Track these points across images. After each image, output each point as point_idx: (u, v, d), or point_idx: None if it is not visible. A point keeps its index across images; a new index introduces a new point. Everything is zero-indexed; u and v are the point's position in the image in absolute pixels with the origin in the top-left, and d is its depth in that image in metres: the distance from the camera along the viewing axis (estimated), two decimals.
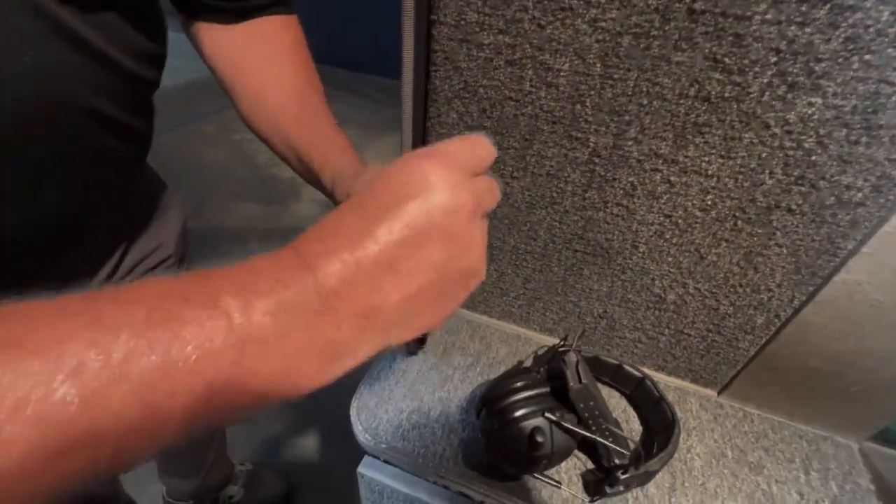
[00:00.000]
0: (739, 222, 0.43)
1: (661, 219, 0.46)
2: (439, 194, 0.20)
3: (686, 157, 0.42)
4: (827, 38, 0.33)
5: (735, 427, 0.54)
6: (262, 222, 1.89)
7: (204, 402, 0.15)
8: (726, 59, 0.36)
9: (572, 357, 0.43)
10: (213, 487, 0.96)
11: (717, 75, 0.37)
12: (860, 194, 0.38)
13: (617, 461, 0.44)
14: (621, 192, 0.46)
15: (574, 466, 0.48)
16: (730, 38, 0.35)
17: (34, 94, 0.29)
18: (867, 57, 0.33)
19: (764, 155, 0.39)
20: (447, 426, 0.50)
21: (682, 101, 0.39)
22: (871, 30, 0.32)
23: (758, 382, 0.54)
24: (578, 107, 0.42)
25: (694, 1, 0.34)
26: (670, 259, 0.48)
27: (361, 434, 0.49)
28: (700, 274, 0.48)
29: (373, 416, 0.51)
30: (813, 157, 0.38)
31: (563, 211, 0.50)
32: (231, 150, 2.29)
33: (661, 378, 0.58)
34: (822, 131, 0.36)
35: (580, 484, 0.46)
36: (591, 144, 0.44)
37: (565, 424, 0.40)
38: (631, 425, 0.52)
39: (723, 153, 0.40)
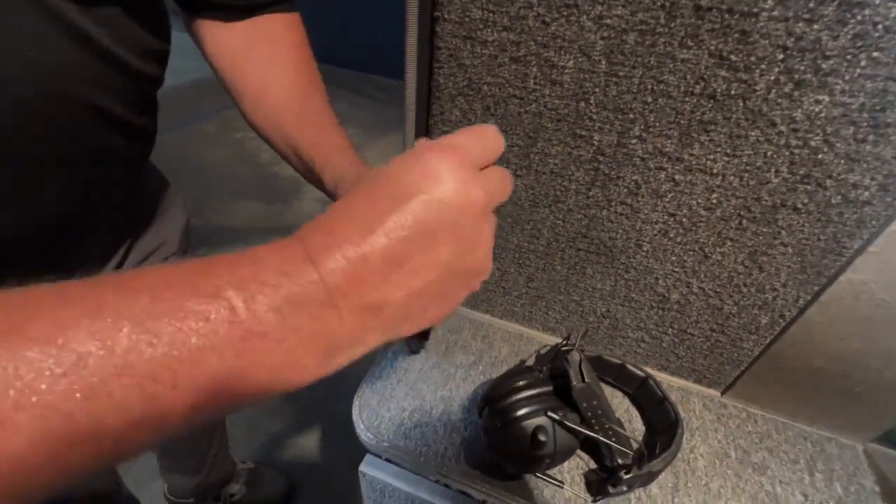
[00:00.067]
0: (744, 221, 0.43)
1: (666, 217, 0.46)
2: (450, 191, 0.19)
3: (691, 155, 0.41)
4: (835, 35, 0.32)
5: (739, 427, 0.53)
6: (263, 221, 1.89)
7: (205, 395, 0.15)
8: (732, 57, 0.36)
9: (575, 356, 0.43)
10: (215, 485, 0.96)
11: (723, 73, 0.36)
12: (867, 193, 0.38)
13: (620, 461, 0.43)
14: (625, 190, 0.46)
15: (577, 466, 0.47)
16: (736, 35, 0.35)
17: (37, 92, 0.29)
18: (875, 54, 0.32)
19: (770, 153, 0.39)
20: (449, 425, 0.50)
21: (687, 99, 0.39)
22: (880, 27, 0.31)
23: (762, 383, 0.53)
24: (583, 104, 0.42)
25: None
26: (674, 258, 0.48)
27: (363, 433, 0.49)
28: (704, 273, 0.48)
29: (374, 414, 0.51)
30: (819, 156, 0.37)
31: (566, 209, 0.49)
32: (233, 148, 2.30)
33: (664, 378, 0.58)
34: (828, 129, 0.36)
35: (583, 484, 0.46)
36: (596, 142, 0.44)
37: (568, 424, 0.40)
38: (634, 425, 0.52)
39: (728, 151, 0.40)
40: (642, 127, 0.41)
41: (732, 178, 0.41)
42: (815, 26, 0.33)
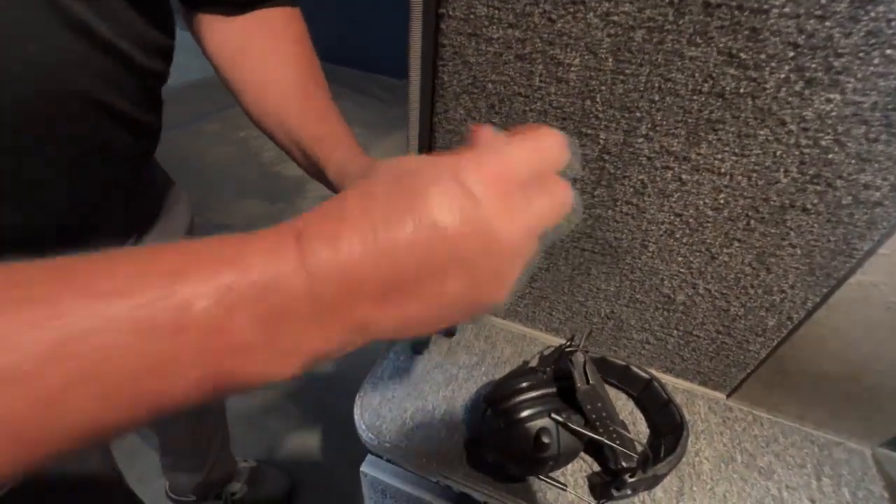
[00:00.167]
0: (752, 222, 0.42)
1: (672, 217, 0.45)
2: (478, 228, 0.17)
3: (698, 154, 0.41)
4: (847, 33, 0.32)
5: (744, 431, 0.53)
6: (266, 220, 1.89)
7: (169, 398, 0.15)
8: (742, 54, 0.35)
9: (580, 357, 0.42)
10: (216, 484, 0.96)
11: (732, 70, 0.36)
12: (878, 194, 0.37)
13: (624, 464, 0.43)
14: (631, 189, 0.45)
15: (580, 469, 0.47)
16: (746, 33, 0.34)
17: (40, 86, 0.29)
18: (889, 52, 0.32)
19: (779, 153, 0.38)
20: (451, 426, 0.49)
21: (695, 97, 0.38)
22: (894, 23, 0.31)
23: (768, 386, 0.53)
24: (589, 103, 0.42)
25: None
26: (680, 259, 0.47)
27: (364, 433, 0.49)
28: (711, 274, 0.47)
29: (376, 414, 0.50)
30: (830, 156, 0.37)
31: None
32: (236, 147, 2.30)
33: (668, 380, 0.57)
34: (840, 128, 0.35)
35: (586, 486, 0.45)
36: (602, 141, 0.43)
37: (572, 426, 0.39)
38: (638, 427, 0.51)
39: (736, 151, 0.39)
40: (649, 126, 0.41)
41: (740, 177, 0.40)
42: (827, 23, 0.32)
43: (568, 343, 0.49)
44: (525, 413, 0.40)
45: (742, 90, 0.36)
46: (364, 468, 0.50)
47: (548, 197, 0.19)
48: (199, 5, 0.40)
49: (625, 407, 0.53)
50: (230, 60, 0.41)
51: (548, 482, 0.44)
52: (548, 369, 0.45)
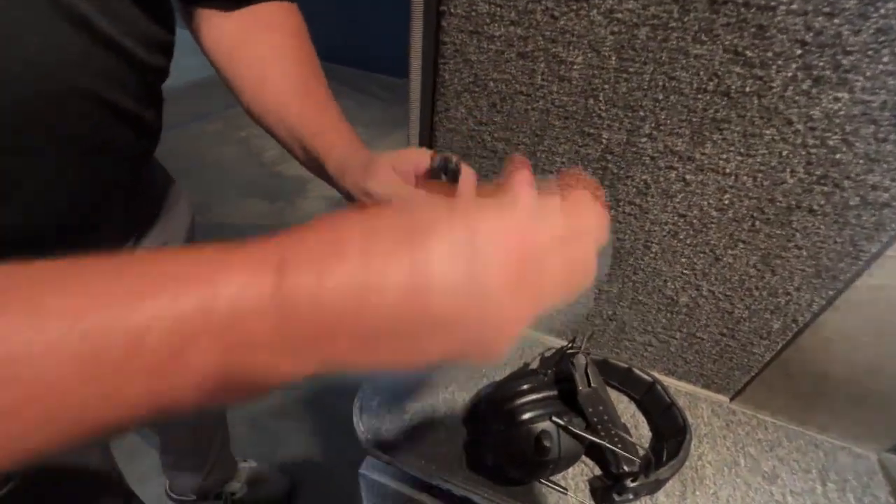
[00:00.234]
0: (757, 223, 0.42)
1: (676, 218, 0.44)
2: (481, 290, 0.15)
3: (703, 154, 0.40)
4: (856, 30, 0.31)
5: (748, 434, 0.52)
6: (268, 219, 1.89)
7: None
8: (748, 52, 0.34)
9: (581, 360, 0.42)
10: (216, 484, 0.96)
11: (737, 69, 0.35)
12: (887, 195, 0.37)
13: (626, 468, 0.42)
14: (634, 190, 0.44)
15: (581, 472, 0.46)
16: (752, 30, 0.33)
17: (41, 82, 0.29)
18: None
19: (785, 153, 0.37)
20: (451, 428, 0.49)
21: (700, 96, 0.37)
22: None
23: (773, 389, 0.52)
24: (591, 101, 0.41)
25: None
26: (684, 260, 0.47)
27: (363, 434, 0.48)
28: (715, 276, 0.46)
29: (375, 416, 0.50)
30: (837, 156, 0.36)
31: None
32: (238, 146, 2.30)
33: (671, 382, 0.57)
34: (848, 128, 0.35)
35: (587, 490, 0.45)
36: (604, 140, 0.43)
37: (573, 429, 0.39)
38: (640, 431, 0.51)
39: (742, 150, 0.39)
40: (653, 125, 0.40)
41: (746, 178, 0.40)
42: (836, 20, 0.31)
43: (569, 345, 0.48)
44: (526, 416, 0.39)
45: (748, 89, 0.36)
46: (363, 470, 0.50)
47: (565, 273, 0.17)
48: (196, 1, 0.40)
49: (627, 410, 0.53)
50: (228, 56, 0.41)
51: (548, 486, 0.44)
52: (549, 371, 0.45)
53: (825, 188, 0.38)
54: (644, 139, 0.41)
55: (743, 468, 0.48)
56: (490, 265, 0.15)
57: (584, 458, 0.47)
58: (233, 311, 0.15)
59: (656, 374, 0.52)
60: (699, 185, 0.42)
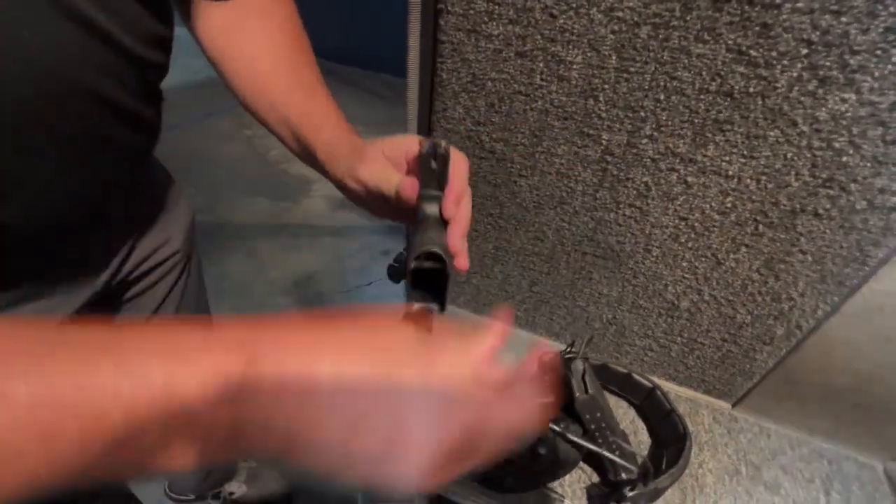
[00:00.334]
0: (761, 226, 0.41)
1: (677, 221, 0.44)
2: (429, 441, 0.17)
3: (705, 156, 0.39)
4: (864, 29, 0.30)
5: (750, 442, 0.51)
6: (271, 218, 1.89)
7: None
8: (752, 52, 0.33)
9: (579, 365, 0.41)
10: (215, 483, 0.96)
11: (741, 69, 0.34)
12: (894, 199, 0.35)
13: (624, 476, 0.41)
14: (635, 192, 0.44)
15: (579, 479, 0.45)
16: (756, 29, 0.33)
17: (39, 78, 0.28)
18: None
19: (790, 155, 0.36)
20: None
21: (702, 97, 0.36)
22: None
23: (776, 396, 0.51)
24: (591, 102, 0.40)
25: None
26: (685, 264, 0.46)
27: None
28: (716, 280, 0.46)
29: None
30: (844, 158, 0.35)
31: (572, 211, 0.47)
32: (243, 145, 2.31)
33: (672, 388, 0.56)
34: (855, 130, 0.34)
35: (585, 498, 0.44)
36: (604, 142, 0.42)
37: (570, 436, 0.38)
38: (639, 437, 0.50)
39: (745, 153, 0.38)
40: (654, 126, 0.39)
41: (749, 180, 0.39)
42: (843, 19, 0.30)
43: (568, 349, 0.47)
44: None
45: (752, 89, 0.35)
46: None
47: (483, 454, 0.19)
48: None
49: (626, 416, 0.52)
50: (219, 43, 0.40)
51: (545, 493, 0.43)
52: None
53: (831, 191, 0.37)
54: (645, 140, 0.40)
55: (744, 477, 0.47)
56: (435, 430, 0.17)
57: (581, 464, 0.46)
58: (191, 408, 0.16)
59: (656, 380, 0.51)
60: (701, 188, 0.41)
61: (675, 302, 0.49)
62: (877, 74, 0.31)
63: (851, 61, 0.31)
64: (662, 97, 0.38)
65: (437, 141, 0.30)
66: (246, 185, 2.06)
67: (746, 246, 0.42)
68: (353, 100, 2.74)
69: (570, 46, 0.38)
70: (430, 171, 0.31)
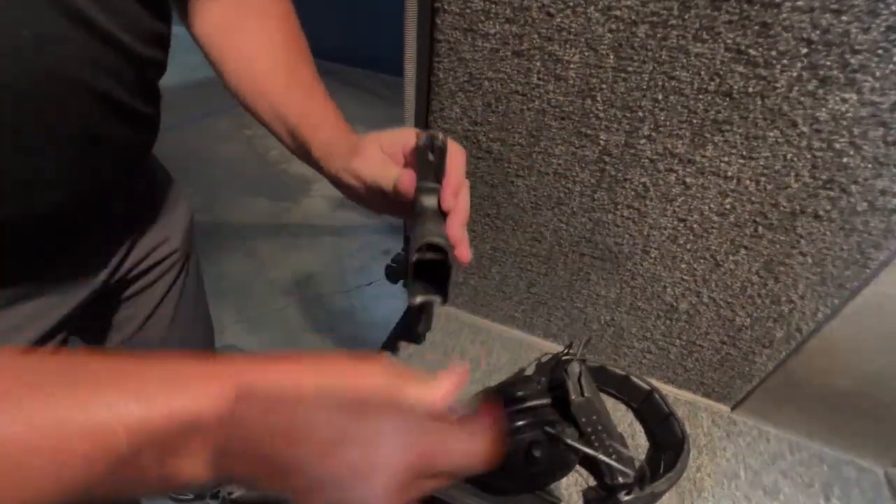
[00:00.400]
0: (760, 228, 0.40)
1: (675, 223, 0.43)
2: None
3: (704, 156, 0.39)
4: (865, 28, 0.30)
5: (749, 446, 0.50)
6: (271, 217, 1.89)
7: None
8: (751, 51, 0.33)
9: (575, 367, 0.41)
10: (215, 482, 0.95)
11: (740, 68, 0.34)
12: None
13: (621, 480, 0.41)
14: (633, 193, 0.43)
15: (575, 482, 0.45)
16: (756, 28, 0.32)
17: (34, 72, 0.28)
18: None
19: (790, 156, 0.36)
20: None
21: (701, 97, 0.36)
22: None
23: (775, 399, 0.50)
24: (589, 101, 0.40)
25: None
26: (684, 266, 0.45)
27: None
28: (715, 282, 0.45)
29: None
30: (844, 159, 0.35)
31: (570, 212, 0.47)
32: (244, 145, 2.31)
33: (670, 391, 0.55)
34: (855, 130, 0.33)
35: (581, 502, 0.44)
36: (602, 142, 0.41)
37: (565, 440, 0.38)
38: (637, 441, 0.49)
39: (744, 153, 0.37)
40: (652, 126, 0.39)
41: (748, 181, 0.38)
42: (844, 18, 0.30)
43: (565, 351, 0.47)
44: (516, 424, 0.38)
45: (751, 89, 0.34)
46: None
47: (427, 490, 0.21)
48: None
49: (624, 419, 0.51)
50: (216, 40, 0.40)
51: (540, 496, 0.43)
52: (542, 379, 0.44)
53: (831, 193, 0.36)
54: (643, 141, 0.40)
55: (743, 481, 0.47)
56: (398, 458, 0.19)
57: (578, 468, 0.45)
58: (187, 426, 0.18)
59: (655, 383, 0.51)
60: (700, 189, 0.40)
61: (674, 304, 0.49)
62: (878, 74, 0.31)
63: (852, 61, 0.31)
64: (660, 97, 0.37)
65: (433, 133, 0.30)
66: (246, 184, 2.06)
67: (746, 248, 0.42)
68: (352, 100, 2.74)
69: (568, 45, 0.38)
70: (428, 163, 0.31)
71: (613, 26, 0.36)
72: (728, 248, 0.42)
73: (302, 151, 0.39)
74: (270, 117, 0.40)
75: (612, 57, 0.37)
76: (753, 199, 0.39)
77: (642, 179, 0.42)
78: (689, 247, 0.44)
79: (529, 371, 0.55)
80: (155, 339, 0.54)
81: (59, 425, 0.16)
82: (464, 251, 0.31)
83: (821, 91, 0.33)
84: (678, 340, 0.51)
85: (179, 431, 0.17)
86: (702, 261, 0.44)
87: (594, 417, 0.40)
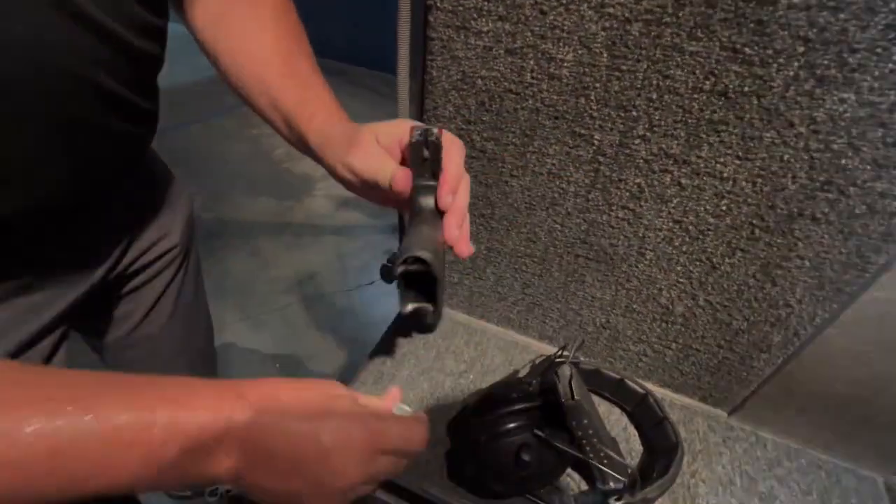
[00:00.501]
0: (757, 231, 0.39)
1: (671, 224, 0.42)
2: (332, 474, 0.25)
3: (699, 157, 0.38)
4: (864, 26, 0.29)
5: (746, 452, 0.49)
6: (275, 216, 1.90)
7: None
8: (747, 49, 0.32)
9: (566, 370, 0.40)
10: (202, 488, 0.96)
11: (736, 67, 0.33)
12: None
13: (612, 485, 0.40)
14: (627, 194, 0.42)
15: (568, 487, 0.44)
16: (751, 26, 0.31)
17: (29, 68, 0.28)
18: None
19: (787, 157, 0.35)
20: (433, 436, 0.47)
21: (696, 96, 0.35)
22: None
23: (773, 405, 0.49)
24: (583, 101, 0.39)
25: None
26: (679, 268, 0.45)
27: None
28: (712, 285, 0.44)
29: None
30: (843, 161, 0.34)
31: (564, 213, 0.46)
32: (249, 144, 2.32)
33: (667, 395, 0.54)
34: (854, 131, 0.32)
35: None
36: (596, 142, 0.41)
37: (555, 443, 0.37)
38: (631, 445, 0.49)
39: (740, 154, 0.37)
40: (646, 126, 0.38)
41: (744, 183, 0.38)
42: (842, 15, 0.29)
43: (558, 353, 0.46)
44: (506, 427, 0.38)
45: (747, 88, 0.34)
46: None
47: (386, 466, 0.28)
48: None
49: (618, 423, 0.51)
50: (213, 32, 0.40)
51: (532, 500, 0.42)
52: (533, 381, 0.43)
53: (829, 195, 0.36)
54: (637, 141, 0.39)
55: (739, 488, 0.46)
56: (355, 469, 0.26)
57: (570, 472, 0.45)
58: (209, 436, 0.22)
59: (650, 386, 0.50)
60: (695, 190, 0.40)
61: (670, 307, 0.48)
62: (877, 73, 0.30)
63: (850, 60, 0.30)
64: (655, 96, 0.37)
65: (427, 128, 0.29)
66: (250, 183, 2.07)
67: (742, 250, 0.41)
68: (357, 99, 2.74)
69: (561, 43, 0.37)
70: (423, 160, 0.30)
71: (607, 24, 0.35)
72: (724, 250, 0.42)
73: (299, 142, 0.39)
74: (266, 105, 0.39)
75: (605, 55, 0.36)
76: (750, 200, 0.38)
77: (637, 180, 0.41)
78: (684, 249, 0.43)
79: (524, 373, 0.54)
80: (154, 335, 0.54)
81: (79, 437, 0.20)
82: (463, 247, 0.30)
83: (818, 91, 0.32)
84: (674, 344, 0.50)
85: (213, 438, 0.22)
86: (698, 263, 0.44)
87: (585, 421, 0.39)
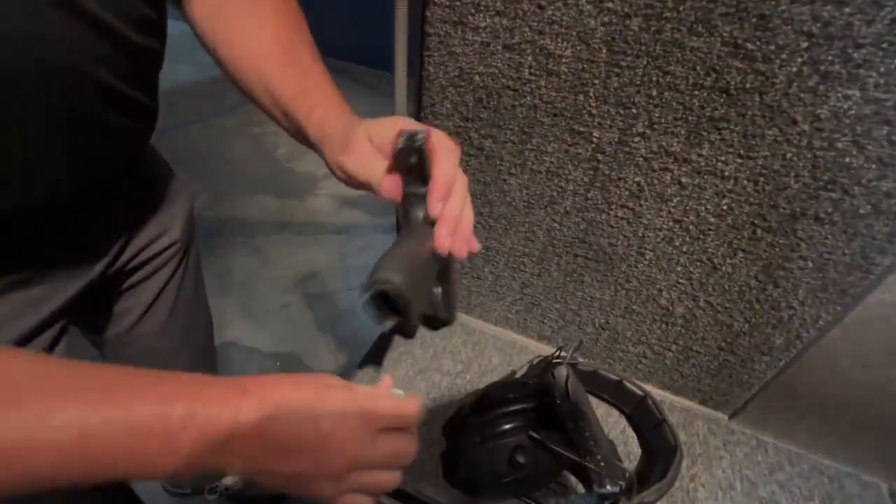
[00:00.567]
0: (759, 231, 0.39)
1: (671, 224, 0.42)
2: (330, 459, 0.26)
3: (700, 155, 0.37)
4: (869, 20, 0.28)
5: (747, 456, 0.49)
6: (277, 215, 1.90)
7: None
8: (749, 45, 0.32)
9: (562, 371, 0.39)
10: (212, 477, 0.96)
11: (737, 63, 0.32)
12: None
13: (609, 488, 0.40)
14: (627, 192, 0.42)
15: (562, 489, 0.44)
16: (753, 20, 0.31)
17: (28, 59, 0.28)
18: None
19: (789, 155, 0.34)
20: (428, 437, 0.47)
21: (696, 93, 0.35)
22: None
23: (775, 408, 0.49)
24: (581, 97, 0.39)
25: None
26: (679, 268, 0.44)
27: None
28: (712, 286, 0.44)
29: None
30: (847, 159, 0.33)
31: (563, 212, 0.46)
32: (252, 143, 2.32)
33: (666, 397, 0.54)
34: (858, 129, 0.32)
35: None
36: (595, 139, 0.40)
37: (551, 445, 0.36)
38: (629, 448, 0.48)
39: (742, 152, 0.36)
40: (646, 123, 0.38)
41: (746, 182, 0.37)
42: (847, 10, 0.28)
43: (555, 354, 0.46)
44: (500, 428, 0.37)
45: (749, 85, 0.33)
46: None
47: (389, 447, 0.29)
48: None
49: (616, 425, 0.50)
50: (208, 22, 0.40)
51: (527, 501, 0.42)
52: (531, 382, 0.42)
53: (833, 194, 0.35)
54: (637, 138, 0.39)
55: (739, 493, 0.45)
56: (349, 455, 0.27)
57: (566, 474, 0.44)
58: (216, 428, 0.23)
59: (649, 388, 0.49)
60: (696, 189, 0.39)
61: (670, 308, 0.47)
62: (882, 70, 0.29)
63: (855, 55, 0.29)
64: (655, 93, 0.36)
65: (413, 132, 0.27)
66: (253, 182, 2.07)
67: (744, 251, 0.40)
68: (361, 98, 2.74)
69: (559, 39, 0.37)
70: (412, 166, 0.29)
71: (606, 19, 0.34)
72: (725, 250, 0.41)
73: (299, 134, 0.38)
74: (265, 97, 0.39)
75: (604, 51, 0.36)
76: (752, 200, 0.38)
77: (636, 178, 0.41)
78: (685, 249, 0.43)
79: (521, 374, 0.54)
80: (154, 331, 0.54)
81: (97, 426, 0.21)
82: (459, 251, 0.29)
83: (822, 87, 0.31)
84: (674, 345, 0.50)
85: (224, 429, 0.23)
86: (698, 264, 0.43)
87: (581, 423, 0.39)
